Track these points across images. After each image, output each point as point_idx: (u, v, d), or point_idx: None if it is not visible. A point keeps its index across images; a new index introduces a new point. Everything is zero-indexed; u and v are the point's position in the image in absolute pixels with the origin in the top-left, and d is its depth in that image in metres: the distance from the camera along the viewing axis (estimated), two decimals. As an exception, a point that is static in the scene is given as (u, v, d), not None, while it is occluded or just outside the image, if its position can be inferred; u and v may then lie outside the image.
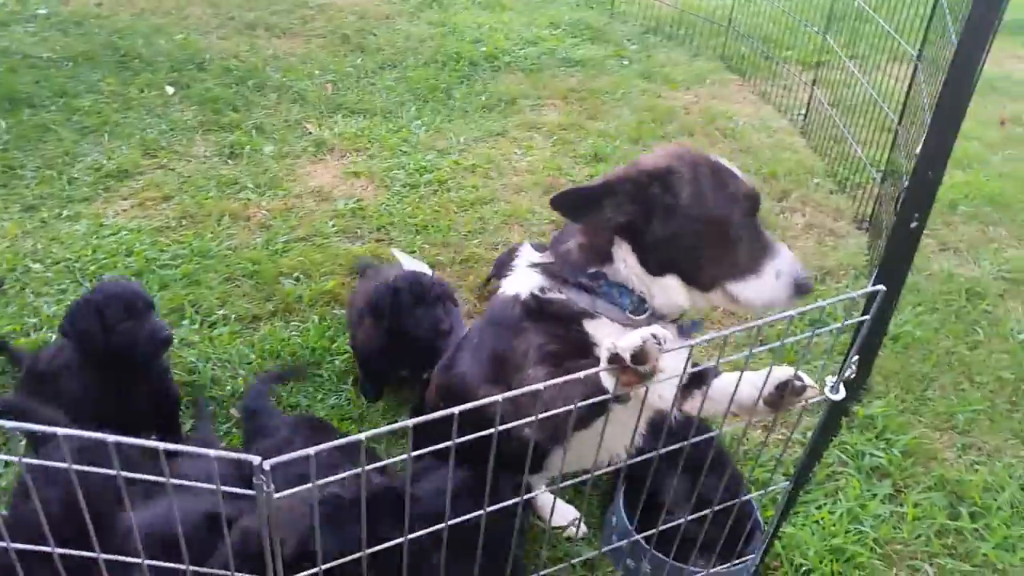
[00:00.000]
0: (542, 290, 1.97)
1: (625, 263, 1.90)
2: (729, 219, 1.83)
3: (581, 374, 1.46)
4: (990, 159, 5.09)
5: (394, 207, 4.17)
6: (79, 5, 5.93)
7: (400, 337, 2.78)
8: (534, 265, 2.02)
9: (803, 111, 5.30)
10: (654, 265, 1.89)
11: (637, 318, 1.90)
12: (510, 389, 1.82)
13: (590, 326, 1.91)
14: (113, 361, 2.46)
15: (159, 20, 5.90)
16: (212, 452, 1.08)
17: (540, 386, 1.39)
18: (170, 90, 5.07)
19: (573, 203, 1.86)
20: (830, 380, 1.82)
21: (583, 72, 5.82)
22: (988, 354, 3.49)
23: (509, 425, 1.43)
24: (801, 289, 1.84)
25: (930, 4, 3.85)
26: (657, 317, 1.93)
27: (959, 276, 3.93)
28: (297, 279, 3.59)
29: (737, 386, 1.70)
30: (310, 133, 4.84)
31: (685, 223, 1.83)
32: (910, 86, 3.99)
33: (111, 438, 1.08)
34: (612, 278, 1.91)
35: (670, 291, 1.90)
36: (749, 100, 5.64)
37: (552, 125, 5.12)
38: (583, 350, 1.88)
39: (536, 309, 1.96)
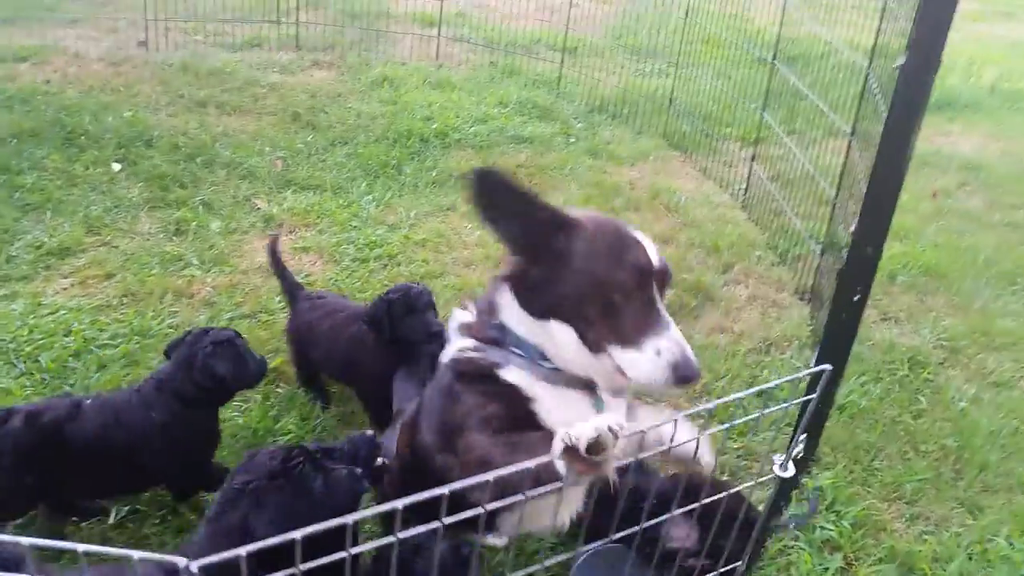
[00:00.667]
0: (462, 350, 1.99)
1: (508, 308, 1.93)
2: (613, 282, 1.80)
3: (533, 463, 1.43)
4: (925, 231, 5.29)
5: (343, 281, 4.14)
6: (27, 83, 5.88)
7: (397, 344, 3.05)
8: (460, 326, 2.05)
9: (743, 186, 5.47)
10: (535, 308, 1.89)
11: (548, 367, 1.91)
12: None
13: (509, 376, 1.92)
14: None
15: (107, 97, 5.88)
16: (136, 554, 1.03)
17: (493, 474, 1.35)
18: (116, 167, 5.02)
19: (494, 186, 1.81)
20: (778, 457, 1.83)
21: (531, 149, 5.94)
22: (932, 422, 3.55)
23: (459, 485, 1.38)
24: (681, 378, 1.74)
25: (861, 81, 4.04)
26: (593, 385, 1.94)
27: (900, 345, 4.03)
28: (241, 358, 3.51)
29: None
30: (259, 209, 4.82)
31: (567, 274, 1.83)
32: (845, 160, 4.16)
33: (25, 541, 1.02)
34: (509, 328, 1.94)
35: (559, 341, 1.88)
36: (691, 176, 5.81)
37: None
38: (515, 406, 1.89)
39: (462, 370, 1.98)
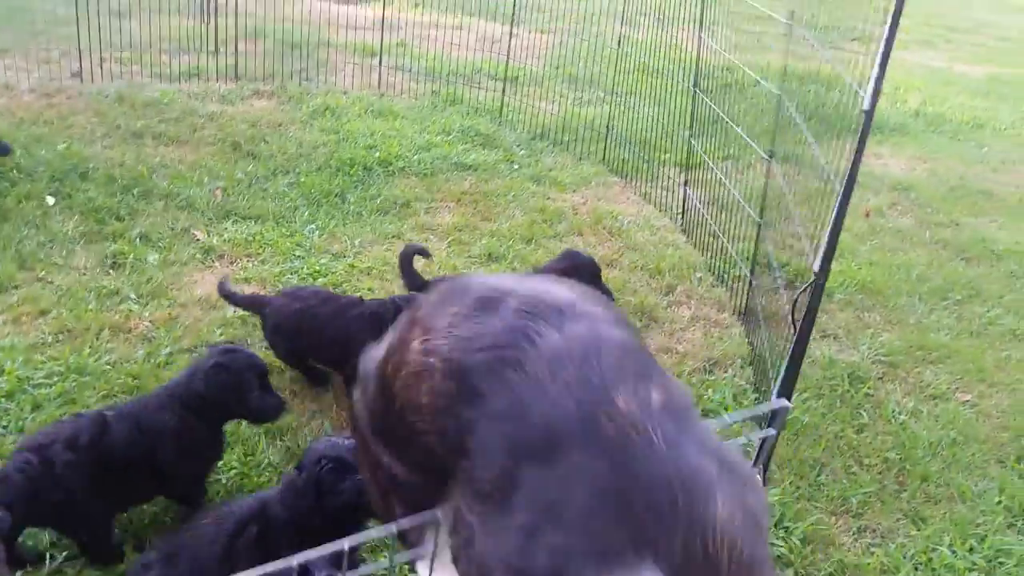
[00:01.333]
0: None
1: None
2: None
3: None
4: (859, 249, 5.45)
5: (287, 313, 4.07)
6: (-50, 114, 5.69)
7: None
8: None
9: (681, 210, 5.57)
10: None
11: None
12: None
13: None
14: None
15: (40, 129, 5.71)
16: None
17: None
18: (51, 200, 4.87)
19: None
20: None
21: (475, 176, 5.96)
22: (874, 436, 3.64)
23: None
24: None
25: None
26: None
27: (840, 361, 4.13)
28: (182, 393, 3.41)
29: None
30: (198, 240, 4.72)
31: None
32: (765, 183, 4.29)
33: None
34: None
35: None
36: (632, 200, 5.90)
37: (447, 227, 5.18)
38: None
39: None
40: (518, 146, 6.57)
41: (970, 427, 3.79)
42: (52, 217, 4.70)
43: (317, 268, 4.50)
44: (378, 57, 7.80)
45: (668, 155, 6.49)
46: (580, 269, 3.82)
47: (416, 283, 3.80)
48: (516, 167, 6.21)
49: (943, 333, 4.56)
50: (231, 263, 4.54)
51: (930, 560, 3.04)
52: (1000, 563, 3.06)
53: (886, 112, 8.50)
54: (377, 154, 6.00)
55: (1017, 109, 9.85)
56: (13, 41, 7.18)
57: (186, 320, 3.95)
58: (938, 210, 6.34)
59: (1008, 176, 7.47)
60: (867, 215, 6.04)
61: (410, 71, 7.72)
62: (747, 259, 4.53)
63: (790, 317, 2.98)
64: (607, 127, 6.48)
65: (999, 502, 3.37)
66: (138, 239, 4.60)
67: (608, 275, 4.76)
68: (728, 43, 5.19)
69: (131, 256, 4.41)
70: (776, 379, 3.02)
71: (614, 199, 5.90)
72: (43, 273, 4.21)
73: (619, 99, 6.70)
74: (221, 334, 3.85)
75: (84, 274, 4.26)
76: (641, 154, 6.32)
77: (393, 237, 5.01)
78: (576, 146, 6.70)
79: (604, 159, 6.49)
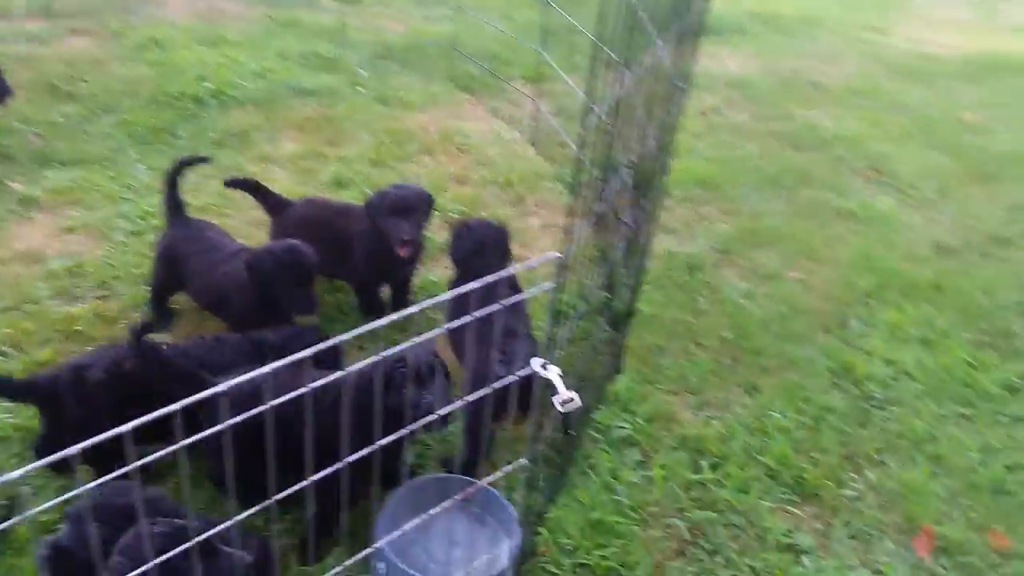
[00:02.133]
0: None
1: None
2: None
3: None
4: (697, 146, 5.65)
5: (116, 259, 3.87)
6: None
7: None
8: None
9: (531, 123, 5.59)
10: None
11: None
12: None
13: None
14: None
15: None
16: None
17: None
18: None
19: None
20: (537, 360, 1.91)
21: (317, 101, 5.75)
22: (711, 319, 3.85)
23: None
24: None
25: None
26: None
27: (679, 253, 4.32)
28: (3, 354, 3.22)
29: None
30: (15, 191, 4.37)
31: None
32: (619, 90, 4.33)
33: None
34: None
35: None
36: (481, 116, 5.86)
37: (290, 155, 5.01)
38: None
39: None
40: (362, 68, 6.37)
41: (798, 301, 4.07)
42: None
43: (148, 209, 4.26)
44: (204, -18, 7.31)
45: (515, 69, 6.47)
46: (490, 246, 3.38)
47: (273, 204, 3.75)
48: (361, 90, 6.03)
49: (775, 218, 4.84)
50: (54, 213, 4.24)
51: (763, 425, 3.28)
52: (824, 419, 3.34)
53: (723, 13, 8.72)
54: (209, 85, 5.67)
55: (848, 4, 10.34)
56: None
57: (7, 278, 3.68)
58: (771, 104, 6.64)
59: (837, 68, 7.87)
60: (703, 114, 6.24)
61: (241, -4, 7.28)
62: (596, 164, 4.61)
63: (626, 216, 3.07)
64: (454, 44, 6.37)
65: (825, 366, 3.66)
66: (-55, 196, 4.22)
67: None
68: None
69: (-64, 213, 4.05)
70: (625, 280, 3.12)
71: (463, 116, 5.85)
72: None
73: (467, 15, 6.58)
74: (47, 289, 3.61)
75: None
76: (490, 69, 6.26)
77: (232, 170, 4.79)
78: (423, 65, 6.56)
79: (451, 76, 6.39)
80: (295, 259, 3.09)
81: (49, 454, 1.31)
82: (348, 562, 1.85)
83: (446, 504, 2.00)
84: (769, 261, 4.41)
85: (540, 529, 2.68)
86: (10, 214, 4.19)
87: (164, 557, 1.51)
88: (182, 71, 5.86)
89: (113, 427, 1.25)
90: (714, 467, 3.06)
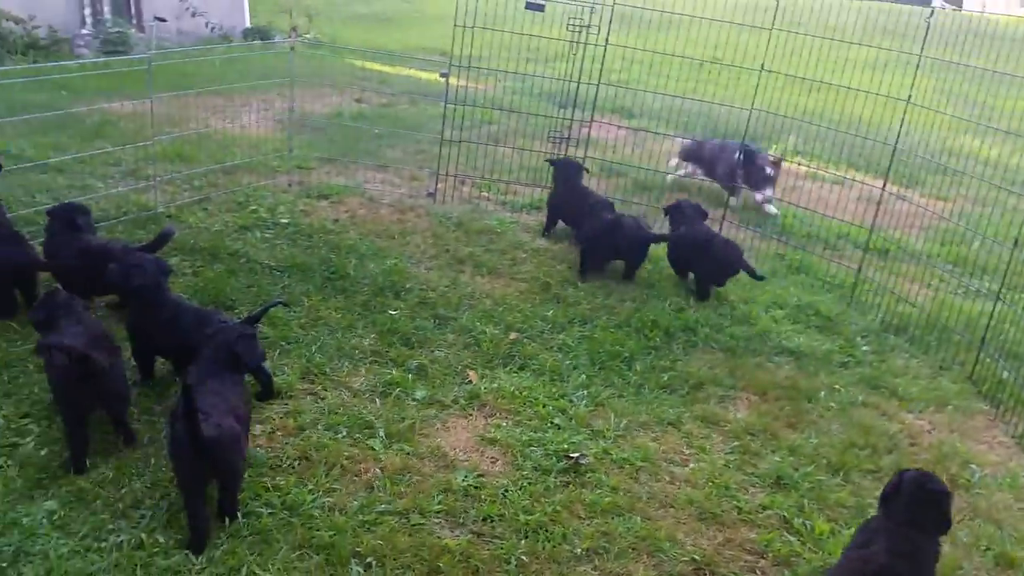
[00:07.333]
0: None
1: None
2: None
3: None
4: None
5: (513, 494, 3.66)
6: (318, 219, 6.41)
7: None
8: None
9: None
10: None
11: None
12: None
13: None
14: None
15: (382, 243, 6.15)
16: None
17: None
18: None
19: None
20: None
21: (795, 365, 5.05)
22: None
23: None
24: None
25: None
26: None
27: None
28: (369, 565, 3.16)
29: None
30: (469, 382, 4.57)
31: None
32: None
33: None
34: None
35: None
36: (999, 442, 4.49)
37: (738, 425, 4.39)
38: None
39: None
40: (863, 337, 5.49)
41: None
42: (354, 331, 4.91)
43: (568, 444, 4.04)
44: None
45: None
46: None
47: None
48: (852, 363, 5.15)
49: None
50: (488, 416, 4.29)
51: None
52: None
53: None
54: (686, 318, 5.41)
55: None
56: (396, 158, 8.07)
57: (415, 475, 3.74)
58: None
59: None
60: None
61: (758, 229, 7.02)
62: None
63: None
64: (986, 332, 5.11)
65: None
66: (416, 369, 4.58)
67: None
68: None
69: (399, 388, 4.38)
70: None
71: (973, 435, 4.55)
72: (320, 387, 4.35)
73: (1018, 297, 5.31)
74: (440, 504, 3.56)
75: (354, 396, 4.32)
76: (1029, 380, 4.85)
77: (669, 424, 4.37)
78: (940, 350, 5.40)
79: (973, 375, 5.11)
80: None
81: None
82: None
83: None
84: None
85: None
86: (455, 404, 4.35)
87: None
88: (667, 298, 5.71)
89: None
90: None
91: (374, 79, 11.78)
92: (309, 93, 9.90)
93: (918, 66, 5.72)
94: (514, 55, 7.10)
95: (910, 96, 5.74)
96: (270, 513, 3.38)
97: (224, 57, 10.57)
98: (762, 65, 6.32)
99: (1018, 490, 4.05)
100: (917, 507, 3.01)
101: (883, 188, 6.21)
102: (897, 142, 5.92)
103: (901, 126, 5.85)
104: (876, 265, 6.33)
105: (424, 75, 12.19)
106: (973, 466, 4.19)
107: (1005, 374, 4.93)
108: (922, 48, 5.64)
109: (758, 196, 7.64)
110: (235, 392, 3.41)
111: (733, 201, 7.44)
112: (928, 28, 5.58)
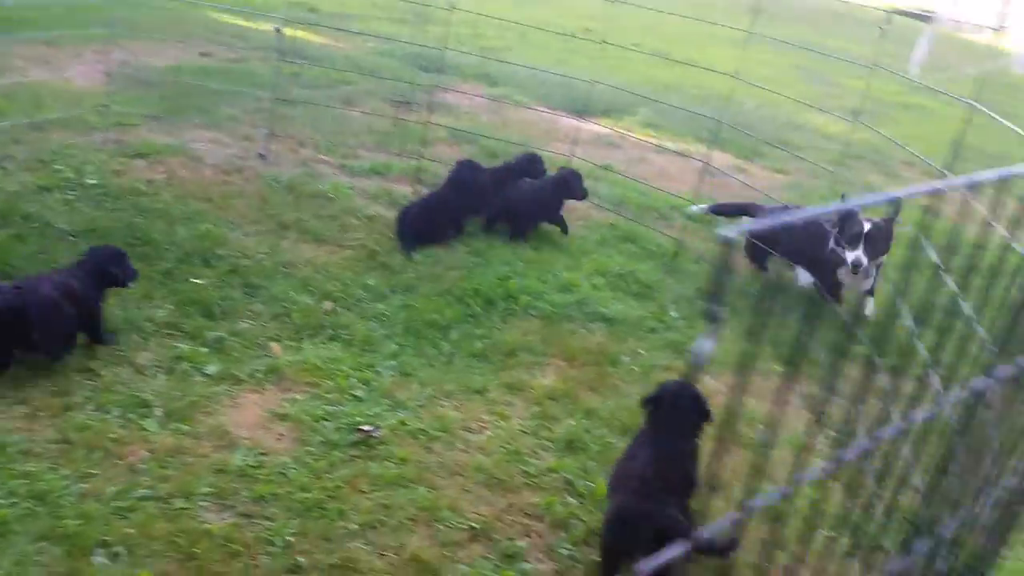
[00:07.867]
0: None
1: None
2: None
3: None
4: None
5: (293, 472, 3.54)
6: (129, 180, 6.00)
7: None
8: None
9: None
10: None
11: None
12: None
13: None
14: None
15: (199, 206, 5.82)
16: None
17: None
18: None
19: None
20: None
21: (607, 331, 5.11)
22: None
23: None
24: None
25: None
26: None
27: None
28: (116, 555, 2.98)
29: None
30: (272, 355, 4.38)
31: None
32: None
33: None
34: None
35: None
36: (791, 404, 4.69)
37: (542, 391, 4.40)
38: None
39: None
40: (675, 304, 5.60)
41: None
42: (150, 304, 4.61)
43: (362, 417, 3.94)
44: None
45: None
46: None
47: None
48: (661, 328, 5.26)
49: None
50: (285, 390, 4.13)
51: None
52: None
53: None
54: (509, 285, 5.36)
55: None
56: (231, 115, 7.64)
57: (189, 456, 3.56)
58: None
59: None
60: None
61: (595, 200, 7.04)
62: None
63: None
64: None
65: None
66: (211, 343, 4.37)
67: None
68: None
69: (189, 363, 4.16)
70: None
71: (766, 396, 4.73)
72: (95, 364, 4.06)
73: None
74: (207, 487, 3.40)
75: (140, 373, 4.07)
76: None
77: (475, 393, 4.34)
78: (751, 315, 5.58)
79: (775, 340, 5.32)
80: None
81: None
82: None
83: None
84: None
85: None
86: (250, 379, 4.17)
87: None
88: (493, 265, 5.65)
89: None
90: None
91: (228, 32, 11.14)
92: (151, 45, 9.25)
93: (744, 43, 5.84)
94: (386, 15, 6.83)
95: (736, 72, 5.87)
96: (12, 504, 3.13)
97: (62, 3, 9.72)
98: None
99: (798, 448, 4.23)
100: (674, 411, 3.42)
101: (705, 160, 6.34)
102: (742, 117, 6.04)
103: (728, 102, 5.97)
104: (699, 235, 6.48)
105: (288, 31, 11.61)
106: (760, 426, 4.36)
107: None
108: (751, 25, 5.74)
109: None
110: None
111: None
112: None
